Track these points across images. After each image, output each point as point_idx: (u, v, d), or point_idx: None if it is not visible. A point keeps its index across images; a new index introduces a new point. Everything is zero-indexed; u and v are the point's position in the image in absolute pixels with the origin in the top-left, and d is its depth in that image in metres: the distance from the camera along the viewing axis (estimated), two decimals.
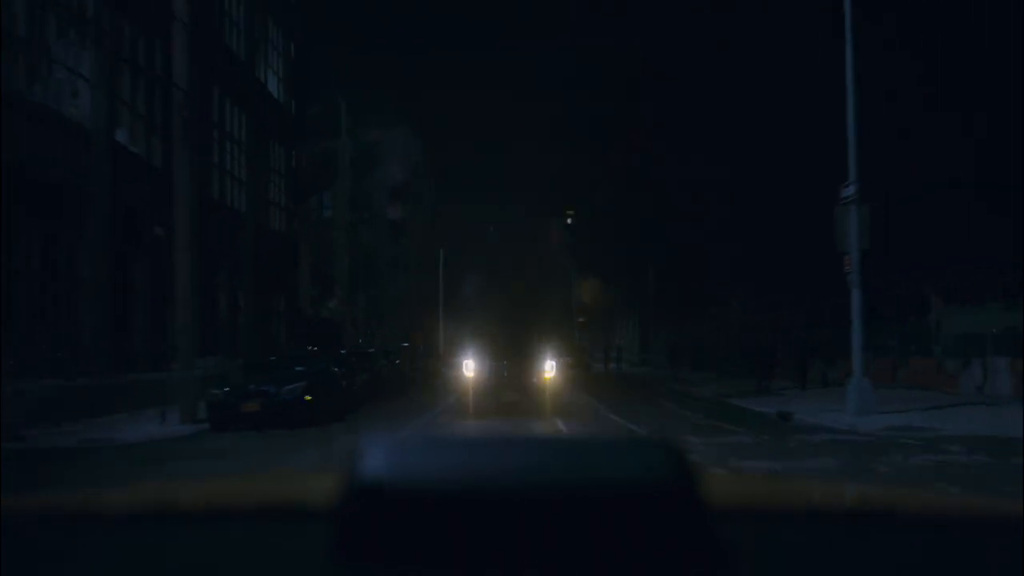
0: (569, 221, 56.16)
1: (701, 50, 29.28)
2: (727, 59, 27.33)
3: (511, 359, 18.51)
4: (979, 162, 20.92)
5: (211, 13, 24.02)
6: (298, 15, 34.52)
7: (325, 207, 47.89)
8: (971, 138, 20.86)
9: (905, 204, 20.73)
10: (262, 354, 22.53)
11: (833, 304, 21.74)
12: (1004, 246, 19.46)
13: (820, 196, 16.70)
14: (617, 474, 0.65)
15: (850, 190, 13.79)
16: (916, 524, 0.90)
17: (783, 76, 24.00)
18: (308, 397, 13.54)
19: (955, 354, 20.14)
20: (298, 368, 14.67)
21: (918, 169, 21.57)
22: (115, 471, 9.21)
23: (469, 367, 17.67)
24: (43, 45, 16.01)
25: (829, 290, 20.97)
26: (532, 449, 0.68)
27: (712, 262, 32.47)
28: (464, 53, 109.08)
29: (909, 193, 21.16)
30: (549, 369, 18.13)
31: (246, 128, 27.62)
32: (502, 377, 18.16)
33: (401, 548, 0.63)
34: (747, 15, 26.47)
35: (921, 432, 11.54)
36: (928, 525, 0.90)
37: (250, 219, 27.51)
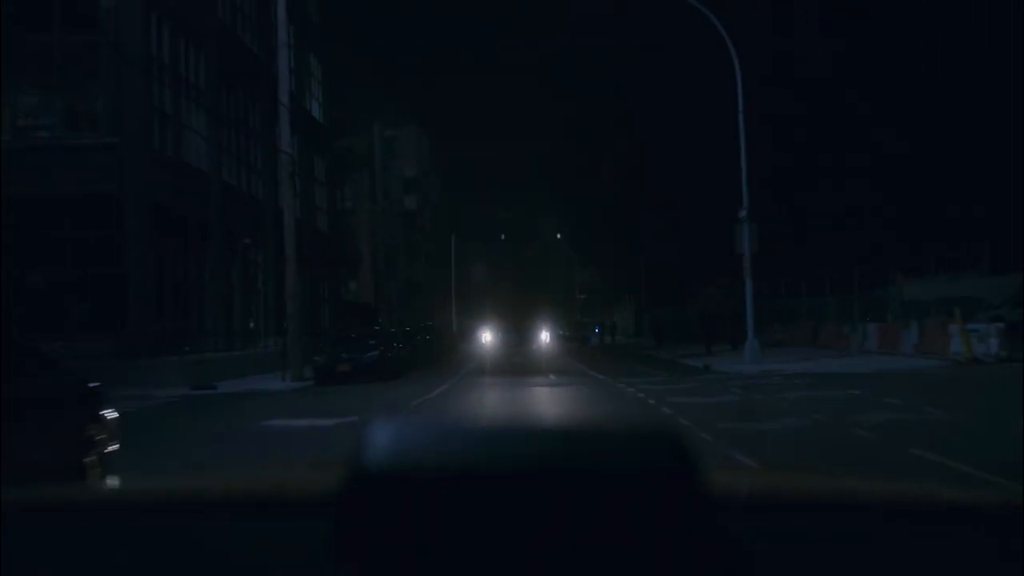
0: (559, 236, 62.78)
1: (695, 58, 34.67)
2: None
3: (518, 333, 25.39)
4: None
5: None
6: (326, 38, 40.57)
7: (345, 199, 54.25)
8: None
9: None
10: (314, 333, 29.14)
11: (781, 283, 28.29)
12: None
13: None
14: (619, 463, 0.65)
15: (743, 213, 20.22)
16: (917, 518, 0.92)
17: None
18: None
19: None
20: (371, 341, 21.27)
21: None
22: (287, 402, 15.83)
23: (486, 338, 24.38)
24: (178, 116, 22.55)
25: (780, 273, 27.63)
26: (534, 438, 0.69)
27: (705, 255, 38.49)
28: (464, 53, 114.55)
29: None
30: (548, 340, 24.96)
31: (298, 149, 34.12)
32: (510, 347, 24.99)
33: (401, 538, 0.64)
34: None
35: (776, 373, 18.05)
36: (929, 519, 0.92)
37: (304, 224, 34.06)
